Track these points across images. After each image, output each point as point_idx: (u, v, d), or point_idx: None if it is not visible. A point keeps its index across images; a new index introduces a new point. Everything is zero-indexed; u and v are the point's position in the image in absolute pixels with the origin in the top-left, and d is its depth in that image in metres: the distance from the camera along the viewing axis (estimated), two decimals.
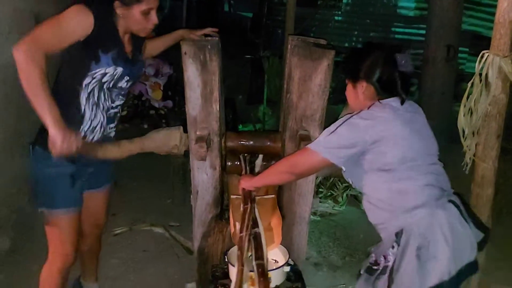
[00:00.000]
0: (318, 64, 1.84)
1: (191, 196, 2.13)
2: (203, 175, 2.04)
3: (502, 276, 2.57)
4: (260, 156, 2.08)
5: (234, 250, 1.90)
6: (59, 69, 1.71)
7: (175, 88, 5.13)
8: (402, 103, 1.55)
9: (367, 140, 1.47)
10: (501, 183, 2.22)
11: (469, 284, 1.80)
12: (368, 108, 1.54)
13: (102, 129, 1.77)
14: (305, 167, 1.58)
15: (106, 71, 1.66)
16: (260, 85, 5.27)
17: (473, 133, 1.71)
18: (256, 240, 1.48)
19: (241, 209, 1.72)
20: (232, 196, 2.01)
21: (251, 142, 2.08)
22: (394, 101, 1.54)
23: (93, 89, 1.68)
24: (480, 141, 1.70)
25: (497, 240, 2.03)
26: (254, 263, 1.40)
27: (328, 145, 1.51)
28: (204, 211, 2.11)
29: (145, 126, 4.72)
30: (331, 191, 3.50)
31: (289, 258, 1.88)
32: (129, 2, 1.62)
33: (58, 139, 1.46)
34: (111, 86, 1.71)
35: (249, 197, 1.76)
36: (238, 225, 1.75)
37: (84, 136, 1.72)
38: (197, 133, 1.95)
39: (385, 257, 1.52)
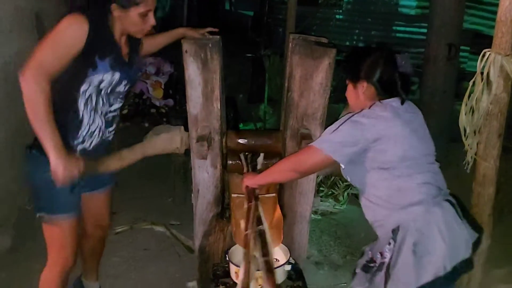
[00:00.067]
0: (319, 63, 1.84)
1: (192, 195, 2.13)
2: (204, 174, 2.04)
3: (503, 275, 2.57)
4: (262, 154, 2.08)
5: (235, 249, 1.90)
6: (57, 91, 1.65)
7: (176, 86, 5.13)
8: (402, 103, 1.57)
9: (369, 138, 1.50)
10: (503, 182, 2.21)
11: (470, 282, 1.80)
12: (369, 108, 1.57)
13: (101, 134, 1.76)
14: (309, 165, 1.59)
15: (103, 77, 1.64)
16: (261, 83, 5.26)
17: (475, 132, 1.71)
18: (262, 238, 1.48)
19: (245, 207, 1.73)
20: (233, 195, 2.01)
21: (252, 141, 2.08)
22: (394, 101, 1.57)
23: (90, 95, 1.66)
24: (481, 140, 1.70)
25: (498, 239, 2.02)
26: (260, 260, 1.41)
27: (331, 143, 1.52)
28: (205, 209, 2.11)
29: (146, 124, 4.71)
30: (332, 190, 3.50)
31: (290, 257, 1.88)
32: (127, 4, 1.59)
33: (60, 169, 1.52)
34: (109, 91, 1.70)
35: (252, 194, 1.76)
36: (242, 224, 1.75)
37: (83, 141, 1.71)
38: (198, 131, 1.95)
39: (381, 254, 1.55)
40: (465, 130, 1.72)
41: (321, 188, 3.50)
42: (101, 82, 1.64)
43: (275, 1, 8.68)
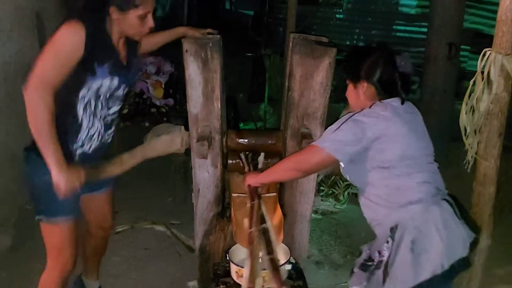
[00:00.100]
0: (319, 62, 1.84)
1: (193, 194, 2.13)
2: (205, 173, 2.04)
3: (504, 274, 2.57)
4: (262, 153, 2.08)
5: (235, 248, 1.91)
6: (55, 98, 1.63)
7: (176, 86, 5.13)
8: (402, 103, 1.59)
9: (370, 137, 1.51)
10: (503, 182, 2.20)
11: (470, 282, 1.80)
12: (370, 107, 1.58)
13: (100, 137, 1.75)
14: (311, 164, 1.60)
15: (102, 82, 1.63)
16: (262, 83, 5.26)
17: (475, 131, 1.71)
18: (265, 236, 1.49)
19: (248, 205, 1.73)
20: (233, 194, 2.02)
21: (253, 140, 2.08)
22: (394, 101, 1.59)
23: (89, 100, 1.65)
24: (482, 139, 1.70)
25: (498, 239, 2.03)
26: (265, 258, 1.41)
27: (333, 142, 1.54)
28: (206, 209, 2.11)
29: (147, 124, 4.72)
30: (333, 190, 3.50)
31: (290, 256, 1.88)
32: (126, 7, 1.57)
33: (62, 182, 1.55)
34: (108, 96, 1.69)
35: (255, 193, 1.76)
36: (245, 222, 1.76)
37: (82, 145, 1.70)
38: (199, 131, 1.95)
39: (379, 253, 1.56)
40: (465, 130, 1.72)
41: (321, 188, 3.50)
42: (100, 87, 1.63)
43: (275, 0, 8.68)
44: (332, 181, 3.50)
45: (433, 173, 1.58)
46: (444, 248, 1.46)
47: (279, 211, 1.93)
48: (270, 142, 2.08)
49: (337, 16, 8.51)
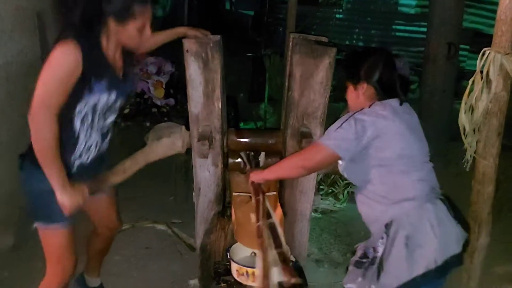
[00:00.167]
0: (319, 62, 1.85)
1: (193, 194, 2.14)
2: (205, 173, 2.05)
3: (503, 272, 2.58)
4: (263, 152, 2.09)
5: (236, 247, 1.92)
6: None
7: (177, 86, 5.14)
8: (401, 103, 1.63)
9: (370, 135, 1.54)
10: (502, 180, 2.22)
11: (470, 280, 1.81)
12: (369, 107, 1.62)
13: (98, 147, 1.75)
14: (316, 161, 1.63)
15: (100, 98, 1.61)
16: (262, 83, 5.27)
17: (474, 131, 1.72)
18: (272, 230, 1.51)
19: (253, 201, 1.74)
20: (234, 193, 2.03)
21: (253, 140, 2.09)
22: (393, 102, 1.63)
23: (86, 114, 1.63)
24: (481, 138, 1.71)
25: (497, 237, 2.04)
26: (274, 252, 1.43)
27: (335, 140, 1.57)
28: (206, 208, 2.12)
29: (148, 124, 4.72)
30: (332, 188, 3.51)
31: (290, 255, 1.89)
32: (124, 18, 1.55)
33: (67, 202, 1.58)
34: (105, 110, 1.68)
35: (259, 188, 1.78)
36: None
37: (80, 156, 1.70)
38: (199, 131, 1.96)
39: (374, 249, 1.59)
40: (464, 129, 1.73)
41: (321, 187, 3.51)
42: (97, 102, 1.62)
43: (275, 0, 8.68)
44: (331, 180, 3.51)
45: (428, 172, 1.63)
46: (438, 244, 1.49)
47: (279, 210, 1.94)
48: (270, 141, 2.09)
49: (337, 16, 8.53)
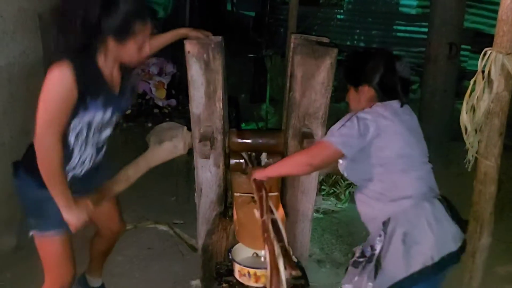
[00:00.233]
0: (320, 62, 1.85)
1: (195, 194, 2.14)
2: (207, 173, 2.05)
3: (505, 272, 2.58)
4: (264, 153, 2.09)
5: (238, 247, 1.92)
6: None
7: (178, 87, 5.15)
8: (402, 105, 1.67)
9: (372, 133, 1.57)
10: (504, 180, 2.21)
11: (471, 280, 1.81)
12: (370, 107, 1.66)
13: (92, 161, 1.74)
14: (321, 158, 1.64)
15: (95, 115, 1.60)
16: (263, 83, 5.28)
17: (476, 131, 1.72)
18: (274, 226, 1.53)
19: (256, 197, 1.74)
20: (235, 194, 2.03)
21: (255, 140, 2.09)
22: (394, 103, 1.66)
23: (81, 130, 1.62)
24: (482, 138, 1.71)
25: (499, 237, 2.04)
26: (276, 246, 1.44)
27: (339, 137, 1.60)
28: (208, 208, 2.12)
29: (149, 124, 4.73)
30: (334, 189, 3.51)
31: (292, 255, 1.89)
32: (124, 37, 1.53)
33: (73, 220, 1.61)
34: (100, 127, 1.67)
35: (262, 186, 1.78)
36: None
37: (74, 168, 1.69)
38: (201, 131, 1.96)
39: (372, 247, 1.61)
40: (466, 129, 1.73)
41: (322, 187, 3.51)
42: (92, 119, 1.61)
43: (277, 1, 8.69)
44: (333, 180, 3.51)
45: (427, 173, 1.65)
46: (435, 241, 1.51)
47: (281, 210, 1.94)
48: (271, 142, 2.09)
49: (338, 16, 8.53)
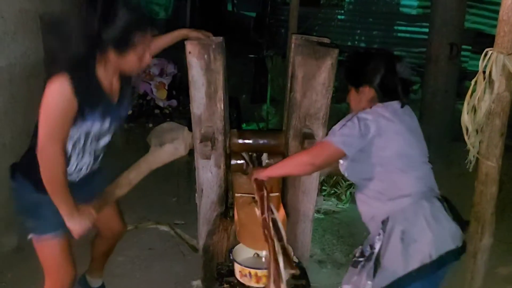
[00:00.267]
0: (321, 63, 1.85)
1: (196, 195, 2.14)
2: (208, 174, 2.05)
3: (506, 273, 2.57)
4: (265, 153, 2.09)
5: (239, 248, 1.92)
6: None
7: (179, 87, 5.15)
8: (402, 106, 1.68)
9: (372, 132, 1.59)
10: (505, 181, 2.21)
11: (473, 280, 1.80)
12: (371, 108, 1.67)
13: (89, 168, 1.75)
14: (323, 157, 1.65)
15: (93, 125, 1.61)
16: (264, 84, 5.27)
17: (477, 131, 1.72)
18: (274, 225, 1.55)
19: (257, 196, 1.75)
20: (236, 194, 2.03)
21: (255, 141, 2.09)
22: (394, 104, 1.68)
23: (79, 138, 1.62)
24: (483, 139, 1.71)
25: (500, 238, 2.04)
26: (276, 244, 1.45)
27: (341, 136, 1.61)
28: (209, 209, 2.12)
29: (150, 125, 4.72)
30: (335, 189, 3.51)
31: (293, 255, 1.89)
32: (125, 49, 1.53)
33: (76, 228, 1.62)
34: (98, 136, 1.68)
35: (263, 185, 1.79)
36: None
37: (70, 175, 1.68)
38: (202, 132, 1.96)
39: (371, 246, 1.62)
40: (467, 129, 1.73)
41: (323, 187, 3.51)
42: (90, 129, 1.62)
43: (277, 2, 8.69)
44: (334, 180, 3.51)
45: (427, 173, 1.67)
46: (433, 239, 1.52)
47: (282, 210, 1.94)
48: (272, 142, 2.09)
49: (339, 17, 8.53)
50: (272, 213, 1.66)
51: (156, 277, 2.57)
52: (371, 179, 1.64)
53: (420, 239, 1.53)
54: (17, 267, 2.51)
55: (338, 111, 3.58)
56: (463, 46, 4.72)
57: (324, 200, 3.44)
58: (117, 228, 2.06)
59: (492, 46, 1.61)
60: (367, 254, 1.63)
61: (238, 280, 1.84)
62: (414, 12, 8.31)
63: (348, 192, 3.47)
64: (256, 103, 5.55)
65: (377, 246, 1.59)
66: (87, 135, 1.63)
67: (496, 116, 1.66)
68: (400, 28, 8.18)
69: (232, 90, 3.30)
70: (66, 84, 1.46)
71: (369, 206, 1.67)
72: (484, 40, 5.91)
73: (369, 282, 1.58)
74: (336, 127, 1.66)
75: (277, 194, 2.01)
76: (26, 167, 1.66)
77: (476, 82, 1.65)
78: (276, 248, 1.42)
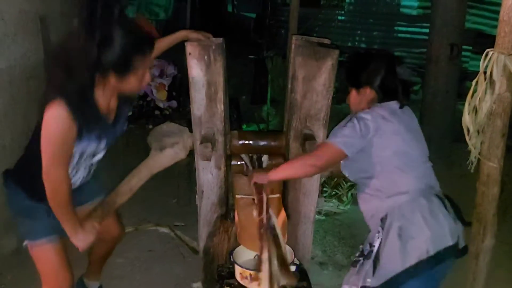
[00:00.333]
0: (322, 64, 1.85)
1: (196, 196, 2.14)
2: (208, 175, 2.05)
3: (508, 274, 2.56)
4: (265, 155, 2.09)
5: (239, 250, 1.91)
6: (37, 130, 1.57)
7: (179, 88, 5.14)
8: (402, 107, 1.70)
9: (372, 132, 1.61)
10: (506, 182, 2.21)
11: (474, 282, 1.80)
12: (369, 108, 1.71)
13: (82, 181, 1.75)
14: (325, 159, 1.67)
15: (88, 145, 1.62)
16: (264, 85, 5.27)
17: (478, 132, 1.71)
18: (272, 232, 1.56)
19: (256, 200, 1.76)
20: (237, 196, 2.02)
21: (256, 142, 2.08)
22: (392, 104, 1.70)
23: (73, 156, 1.62)
24: (485, 139, 1.70)
25: (502, 239, 2.03)
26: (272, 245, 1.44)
27: (341, 137, 1.64)
28: (209, 211, 2.11)
29: (150, 126, 4.72)
30: (336, 191, 3.51)
31: (294, 257, 1.89)
32: (125, 73, 1.53)
33: (80, 243, 1.67)
34: (93, 154, 1.69)
35: (262, 188, 1.80)
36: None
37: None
38: (202, 133, 1.96)
39: (370, 244, 1.64)
40: (468, 130, 1.72)
41: (324, 189, 3.50)
42: (85, 149, 1.62)
43: (277, 3, 8.69)
44: (335, 182, 3.50)
45: (426, 171, 1.69)
46: (430, 235, 1.53)
47: (283, 212, 1.93)
48: (273, 143, 2.09)
49: (339, 18, 8.52)
50: (271, 217, 1.65)
51: (156, 279, 2.56)
52: (370, 177, 1.66)
53: (417, 235, 1.54)
54: (17, 269, 2.50)
55: (338, 112, 3.57)
56: (464, 47, 4.71)
57: (325, 202, 3.43)
58: (116, 231, 2.05)
59: (492, 47, 1.60)
60: (366, 252, 1.65)
61: (238, 282, 1.84)
62: (414, 12, 8.30)
63: (349, 194, 3.46)
64: (256, 104, 5.55)
65: (376, 244, 1.60)
66: (81, 154, 1.64)
67: (497, 117, 1.65)
68: (400, 28, 8.16)
69: (232, 91, 3.29)
70: (64, 110, 1.47)
71: (369, 204, 1.69)
72: (484, 41, 5.90)
73: (369, 280, 1.59)
74: (336, 128, 1.68)
75: (277, 195, 2.00)
76: (18, 175, 1.69)
77: (477, 82, 1.65)
78: (272, 255, 1.40)
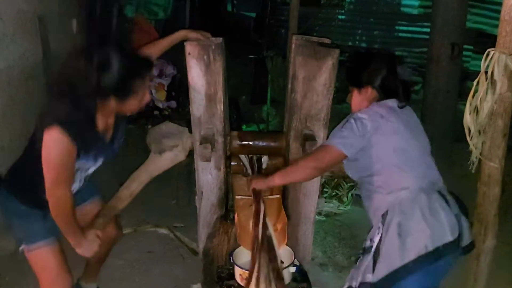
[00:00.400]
0: (322, 64, 1.84)
1: (196, 197, 2.13)
2: (208, 176, 2.04)
3: (509, 275, 2.55)
4: (265, 156, 2.08)
5: (239, 251, 1.90)
6: (34, 142, 1.59)
7: (179, 88, 5.14)
8: (401, 107, 1.71)
9: (370, 131, 1.62)
10: (508, 182, 2.20)
11: (476, 282, 1.79)
12: (367, 107, 1.71)
13: (77, 191, 1.77)
14: (326, 161, 1.69)
15: (86, 164, 1.66)
16: (264, 85, 5.26)
17: (479, 132, 1.70)
18: (268, 242, 1.55)
19: (254, 210, 1.75)
20: (237, 197, 2.01)
21: (256, 143, 2.07)
22: (391, 102, 1.71)
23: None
24: (486, 139, 1.69)
25: (503, 239, 2.02)
26: (268, 265, 1.43)
27: (340, 139, 1.65)
28: (209, 212, 2.10)
29: (149, 126, 4.72)
30: (336, 191, 3.50)
31: (294, 258, 1.88)
32: (126, 96, 1.56)
33: (85, 253, 1.72)
34: (88, 169, 1.72)
35: (260, 196, 1.80)
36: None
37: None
38: (202, 133, 1.94)
39: (371, 240, 1.64)
40: (469, 130, 1.71)
41: (325, 189, 3.49)
42: (82, 166, 1.66)
43: (277, 2, 8.68)
44: (335, 182, 3.49)
45: (428, 167, 1.68)
46: (429, 231, 1.53)
47: (283, 213, 1.92)
48: (273, 144, 2.07)
49: (339, 17, 8.50)
50: (267, 229, 1.65)
51: (155, 280, 2.55)
52: (372, 175, 1.67)
53: (416, 232, 1.54)
54: (15, 271, 2.49)
55: (339, 112, 3.57)
56: (465, 46, 4.70)
57: (325, 202, 3.42)
58: (113, 233, 2.05)
59: (494, 46, 1.60)
60: (366, 247, 1.65)
61: (238, 284, 1.82)
62: (415, 12, 8.28)
63: (349, 194, 3.45)
64: (256, 104, 5.54)
65: (376, 239, 1.60)
66: (77, 169, 1.66)
67: (498, 117, 1.65)
68: (401, 28, 8.14)
69: (232, 91, 3.28)
70: (64, 134, 1.49)
71: (371, 201, 1.69)
72: (486, 40, 5.89)
73: (368, 275, 1.59)
74: (336, 129, 1.69)
75: (278, 196, 1.99)
76: (11, 183, 1.71)
77: (478, 82, 1.64)
78: (266, 270, 1.39)
